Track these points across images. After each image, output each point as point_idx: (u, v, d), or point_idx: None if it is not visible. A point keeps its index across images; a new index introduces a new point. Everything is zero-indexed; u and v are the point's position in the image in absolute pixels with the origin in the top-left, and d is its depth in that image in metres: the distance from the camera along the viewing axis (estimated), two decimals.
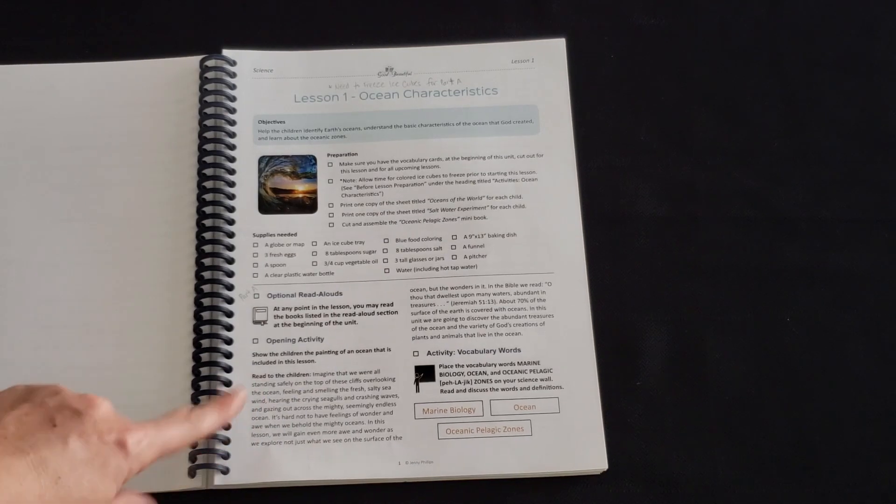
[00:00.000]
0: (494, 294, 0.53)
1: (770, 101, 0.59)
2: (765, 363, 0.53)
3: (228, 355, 0.52)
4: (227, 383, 0.51)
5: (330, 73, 0.59)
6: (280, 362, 0.52)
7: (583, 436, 0.51)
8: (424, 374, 0.52)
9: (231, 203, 0.55)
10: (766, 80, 0.60)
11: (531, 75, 0.59)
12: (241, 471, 0.49)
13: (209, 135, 0.56)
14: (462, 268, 0.54)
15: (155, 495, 0.43)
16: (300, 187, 0.56)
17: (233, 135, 0.56)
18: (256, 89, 0.58)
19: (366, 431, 0.51)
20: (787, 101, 0.59)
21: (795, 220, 0.56)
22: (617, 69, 0.60)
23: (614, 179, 0.57)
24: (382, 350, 0.52)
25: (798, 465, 0.51)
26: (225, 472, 0.49)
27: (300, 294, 0.53)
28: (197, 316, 0.52)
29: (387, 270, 0.54)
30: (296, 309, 0.53)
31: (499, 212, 0.55)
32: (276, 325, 0.53)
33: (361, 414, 0.51)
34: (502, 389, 0.52)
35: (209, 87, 0.57)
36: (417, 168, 0.56)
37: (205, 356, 0.51)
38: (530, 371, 0.52)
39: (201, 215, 0.54)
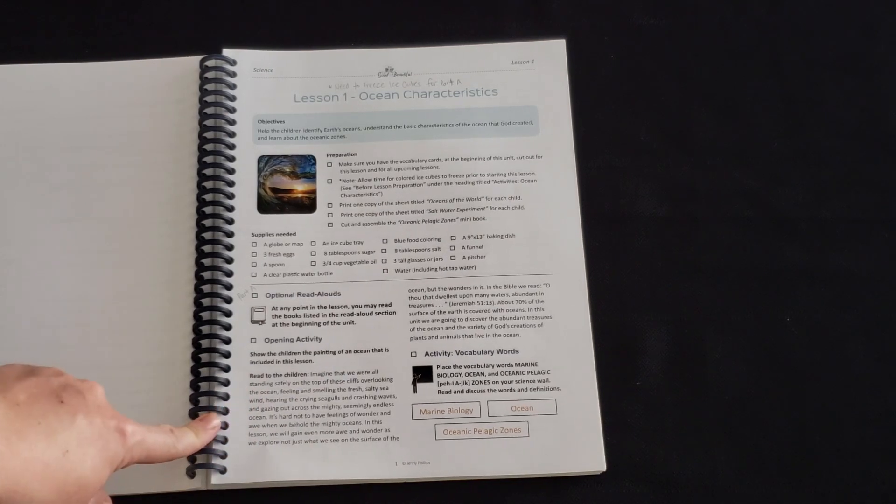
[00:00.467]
0: (493, 295, 0.53)
1: (770, 102, 0.59)
2: (765, 363, 0.53)
3: (227, 355, 0.52)
4: (226, 383, 0.51)
5: (330, 73, 0.59)
6: (278, 362, 0.52)
7: (580, 437, 0.50)
8: (422, 374, 0.52)
9: (230, 203, 0.55)
10: (766, 80, 0.60)
11: (531, 76, 0.59)
12: (238, 470, 0.49)
13: (209, 134, 0.56)
14: (461, 268, 0.54)
15: (154, 496, 0.44)
16: (299, 187, 0.56)
17: (232, 134, 0.56)
18: (256, 89, 0.58)
19: (363, 432, 0.51)
20: (787, 101, 0.59)
21: (795, 220, 0.56)
22: (617, 69, 0.60)
23: (614, 179, 0.57)
24: (380, 350, 0.52)
25: (798, 465, 0.51)
26: (223, 471, 0.49)
27: (298, 294, 0.53)
28: (196, 315, 0.52)
29: (385, 271, 0.54)
30: (294, 309, 0.53)
31: (498, 213, 0.55)
32: (274, 325, 0.53)
33: (359, 414, 0.51)
34: (500, 390, 0.52)
35: (209, 86, 0.57)
36: (417, 168, 0.56)
37: (204, 356, 0.51)
38: (528, 372, 0.52)
39: (201, 215, 0.54)
